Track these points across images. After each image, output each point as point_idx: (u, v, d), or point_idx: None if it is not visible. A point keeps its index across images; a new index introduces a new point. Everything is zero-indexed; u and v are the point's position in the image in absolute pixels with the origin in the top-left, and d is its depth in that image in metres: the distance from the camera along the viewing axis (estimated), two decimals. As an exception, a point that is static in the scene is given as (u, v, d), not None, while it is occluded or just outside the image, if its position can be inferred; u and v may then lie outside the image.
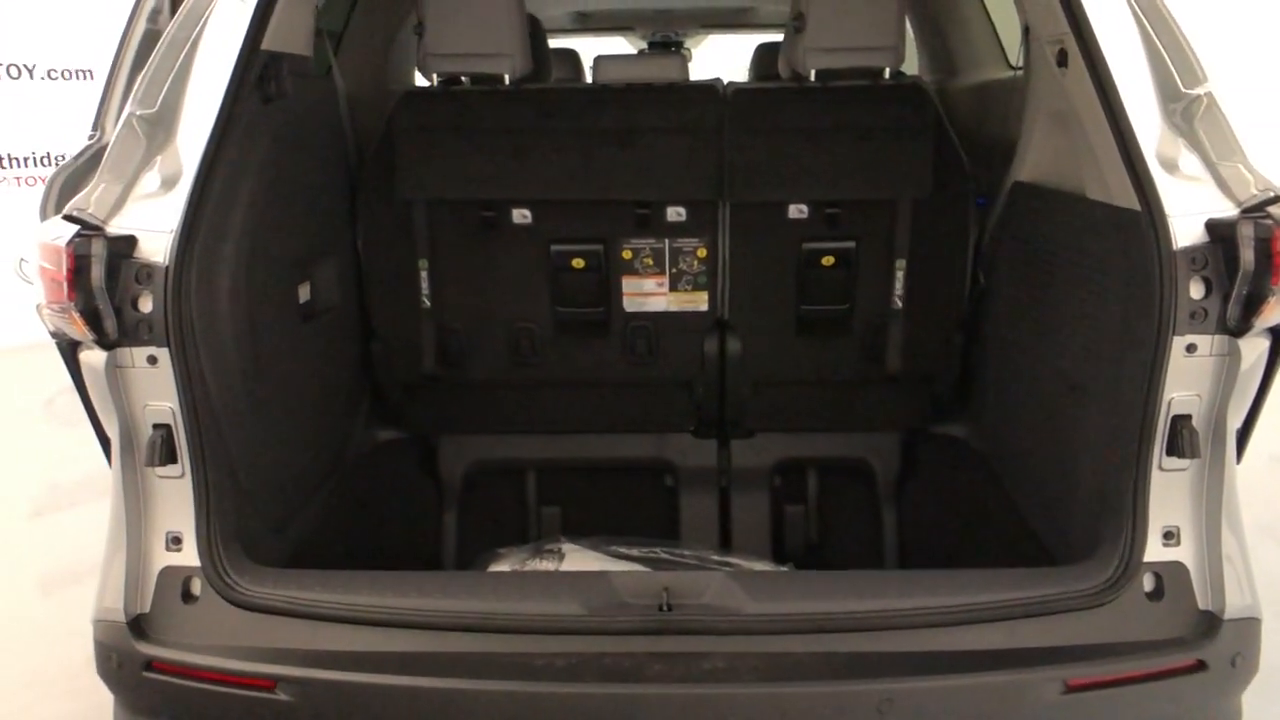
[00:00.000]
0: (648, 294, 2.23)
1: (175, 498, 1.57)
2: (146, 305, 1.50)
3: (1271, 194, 1.45)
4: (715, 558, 2.31)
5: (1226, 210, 1.47)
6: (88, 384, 1.62)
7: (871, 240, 2.14)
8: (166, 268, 1.49)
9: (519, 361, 2.30)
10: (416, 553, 2.35)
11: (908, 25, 2.51)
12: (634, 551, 2.30)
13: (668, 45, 5.17)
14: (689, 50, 5.24)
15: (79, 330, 1.50)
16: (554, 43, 5.06)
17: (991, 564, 2.07)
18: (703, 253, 2.17)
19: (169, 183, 1.56)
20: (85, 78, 6.11)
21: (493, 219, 2.14)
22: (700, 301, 2.22)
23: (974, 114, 2.65)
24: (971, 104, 2.68)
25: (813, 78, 2.00)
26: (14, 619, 2.65)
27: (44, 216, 1.92)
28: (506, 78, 2.02)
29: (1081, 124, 1.67)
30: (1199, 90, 1.56)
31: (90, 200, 1.54)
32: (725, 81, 2.06)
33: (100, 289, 1.46)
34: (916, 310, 2.16)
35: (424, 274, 2.17)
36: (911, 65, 3.07)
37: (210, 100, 1.59)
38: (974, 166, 2.35)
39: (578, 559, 2.26)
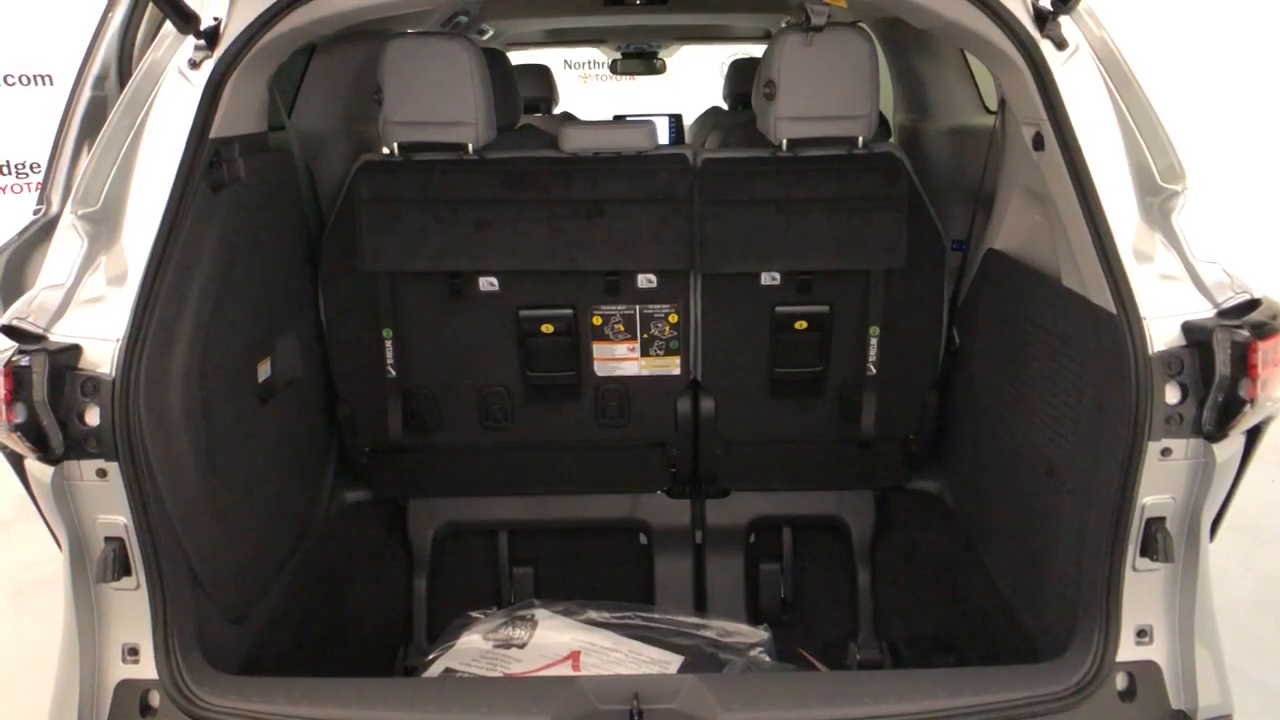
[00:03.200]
0: (619, 359, 2.19)
1: (130, 610, 1.52)
2: (93, 418, 1.44)
3: (1248, 297, 1.44)
4: (690, 620, 2.29)
5: (1203, 311, 1.45)
6: (35, 496, 1.56)
7: (845, 305, 2.11)
8: (113, 380, 1.43)
9: (489, 425, 2.25)
10: (387, 620, 2.31)
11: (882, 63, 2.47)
12: (608, 616, 2.28)
13: (641, 55, 5.09)
14: (662, 60, 5.16)
15: (22, 448, 1.43)
16: (526, 56, 4.98)
17: (965, 629, 2.08)
18: (674, 318, 2.13)
19: (115, 284, 1.49)
20: (44, 83, 5.93)
21: (458, 286, 2.09)
22: (672, 366, 2.19)
23: (949, 158, 2.61)
24: (947, 147, 2.65)
25: (784, 147, 1.95)
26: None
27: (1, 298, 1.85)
28: (470, 146, 1.96)
29: (1056, 210, 1.64)
30: (1177, 186, 1.54)
31: (31, 307, 1.47)
32: (693, 153, 2.01)
33: (43, 404, 1.39)
34: (891, 375, 2.13)
35: (388, 343, 2.11)
36: (886, 102, 3.03)
37: (156, 195, 1.52)
38: (951, 206, 2.31)
39: (551, 625, 2.24)
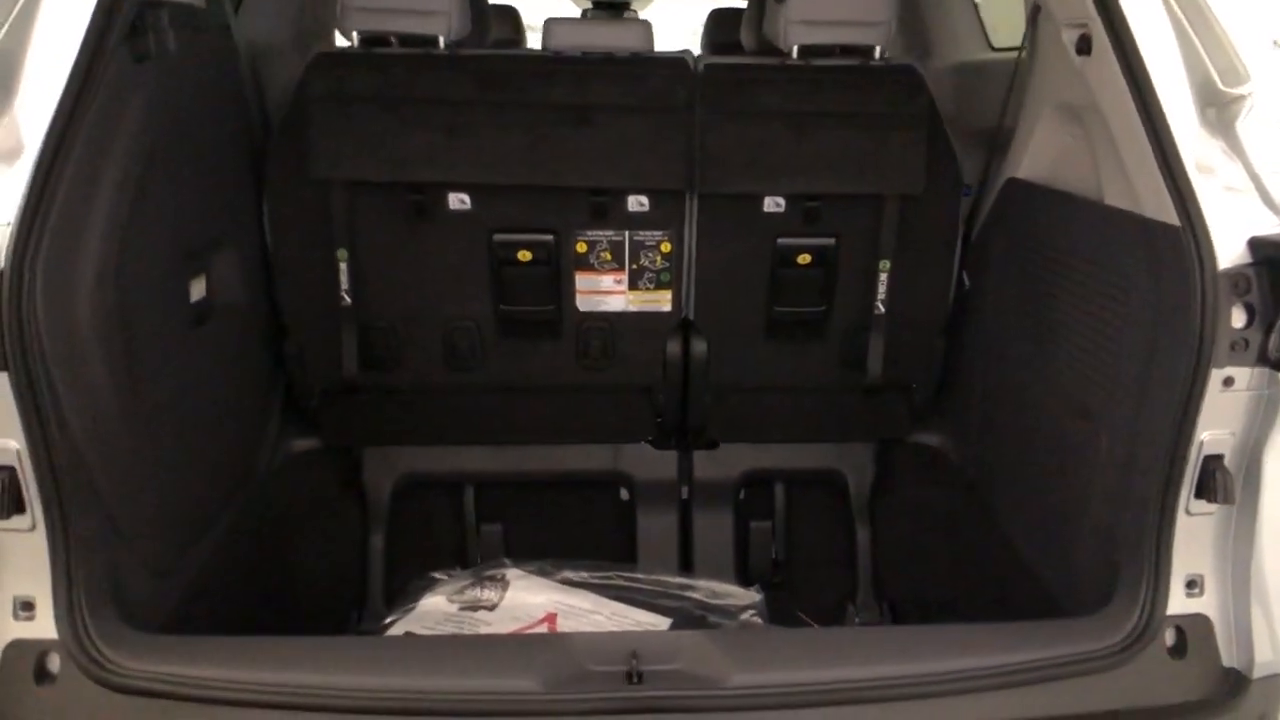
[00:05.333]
0: (605, 291, 1.98)
1: (23, 555, 1.26)
2: None
3: None
4: (676, 580, 2.11)
5: (1272, 225, 1.31)
6: None
7: (853, 238, 1.93)
8: (1, 270, 1.17)
9: (457, 365, 2.02)
10: (338, 580, 2.08)
11: None
12: (586, 576, 2.08)
13: (613, 6, 4.84)
14: (634, 12, 4.93)
15: None
16: None
17: (974, 588, 1.94)
18: (667, 247, 1.93)
19: (6, 159, 1.23)
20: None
21: (424, 204, 1.85)
22: (663, 301, 1.99)
23: (954, 98, 2.45)
24: (951, 87, 2.48)
25: (795, 54, 1.76)
26: None
27: None
28: (441, 40, 1.72)
29: (1104, 120, 1.48)
30: (1241, 90, 1.39)
31: None
32: (695, 54, 1.80)
33: None
34: (901, 315, 1.97)
35: (343, 266, 1.87)
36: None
37: (62, 55, 1.26)
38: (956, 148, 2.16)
39: (524, 586, 2.03)
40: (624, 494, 2.21)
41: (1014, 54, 2.35)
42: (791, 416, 2.15)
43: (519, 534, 2.19)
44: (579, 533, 2.21)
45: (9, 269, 1.17)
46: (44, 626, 1.25)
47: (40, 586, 1.25)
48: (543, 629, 1.92)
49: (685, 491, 2.18)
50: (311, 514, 2.05)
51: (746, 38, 2.14)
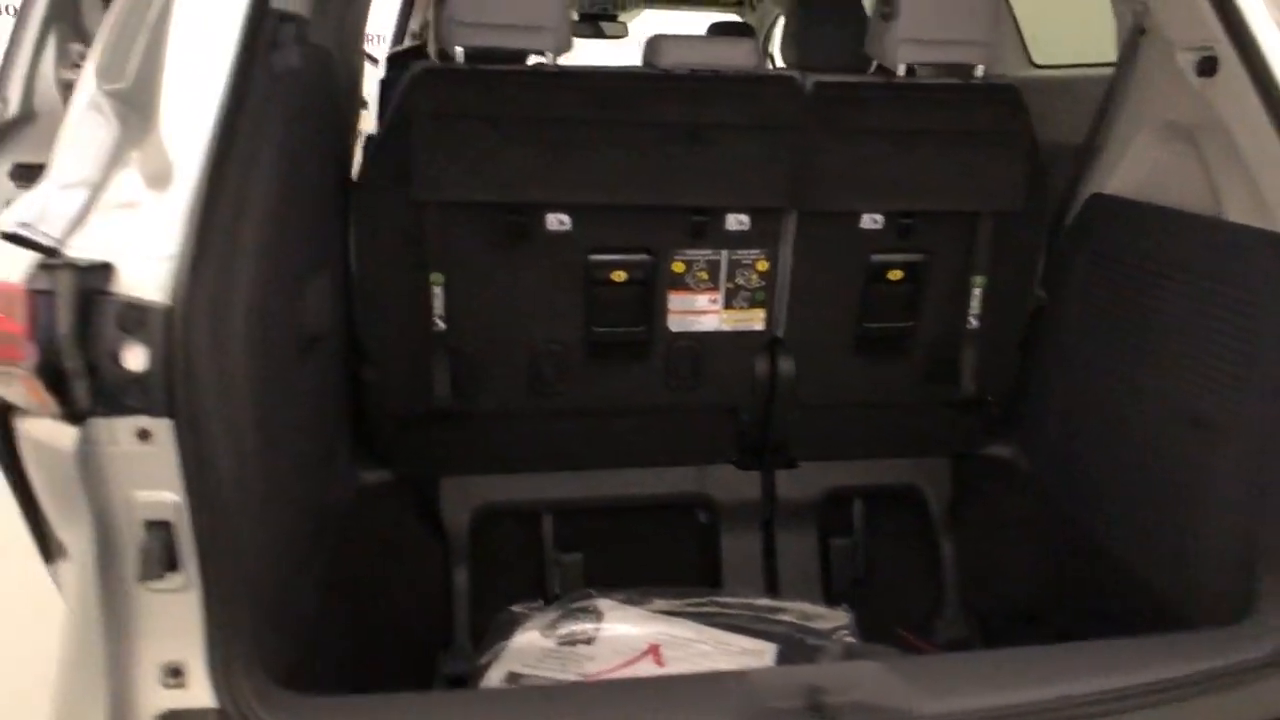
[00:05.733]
0: (698, 311, 1.93)
1: (173, 617, 1.15)
2: (136, 360, 1.07)
3: None
4: (764, 603, 2.07)
5: None
6: (30, 467, 1.16)
7: (945, 254, 1.93)
8: (168, 309, 1.06)
9: (541, 389, 1.95)
10: (423, 622, 1.97)
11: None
12: (679, 604, 2.02)
13: (601, 16, 4.80)
14: (623, 24, 4.89)
15: (35, 399, 1.05)
16: None
17: (1068, 599, 1.96)
18: (763, 265, 1.90)
19: (156, 184, 1.11)
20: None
21: (522, 225, 1.77)
22: (756, 320, 1.95)
23: None
24: None
25: (901, 72, 1.76)
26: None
27: None
28: (551, 56, 1.66)
29: (1229, 139, 1.52)
30: None
31: (40, 210, 1.08)
32: (801, 75, 1.77)
33: (70, 341, 1.02)
34: (991, 330, 1.98)
35: (437, 290, 1.78)
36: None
37: (208, 73, 1.15)
38: None
39: (619, 617, 1.96)
40: (701, 516, 2.16)
41: (1072, 71, 2.41)
42: (872, 433, 2.14)
43: (599, 562, 2.12)
44: (660, 558, 2.15)
45: (181, 305, 1.06)
46: (198, 695, 1.14)
47: (191, 650, 1.14)
48: (648, 661, 1.86)
49: (768, 511, 2.15)
50: (392, 551, 1.94)
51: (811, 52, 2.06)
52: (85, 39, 1.59)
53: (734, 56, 1.73)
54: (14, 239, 1.04)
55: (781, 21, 4.44)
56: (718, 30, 4.07)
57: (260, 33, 1.20)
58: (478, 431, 1.99)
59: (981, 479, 2.19)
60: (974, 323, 1.96)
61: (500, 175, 1.70)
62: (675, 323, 1.93)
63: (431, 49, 1.71)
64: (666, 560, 2.15)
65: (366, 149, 1.72)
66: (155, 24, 1.18)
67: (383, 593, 1.89)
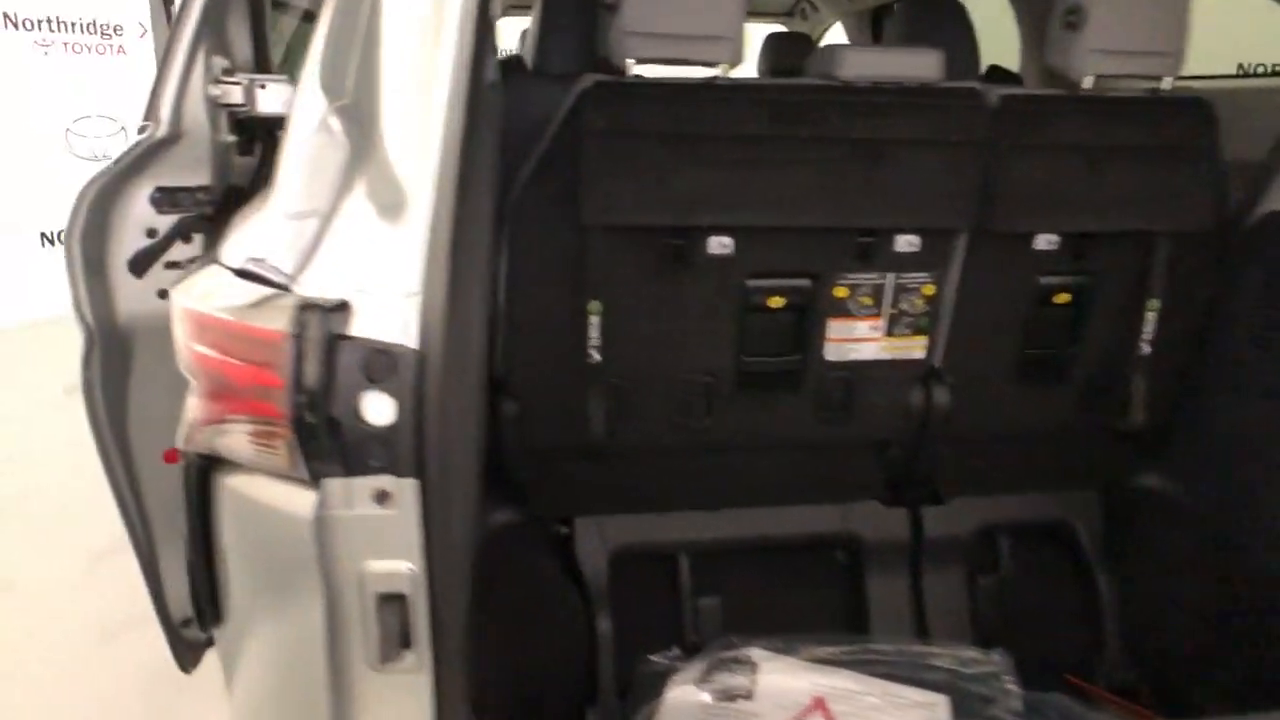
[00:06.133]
0: (858, 339, 1.81)
1: (399, 703, 1.01)
2: (382, 413, 0.93)
3: None
4: (918, 649, 1.95)
5: None
6: (232, 530, 1.02)
7: (1115, 275, 1.83)
8: (418, 354, 0.93)
9: (685, 424, 1.82)
10: (568, 674, 1.83)
11: None
12: (834, 652, 1.89)
13: None
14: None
15: (281, 460, 0.91)
16: (504, 20, 4.44)
17: (1241, 641, 1.85)
18: (929, 290, 1.78)
19: (389, 212, 0.98)
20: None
21: (684, 249, 1.65)
22: (916, 347, 1.84)
23: None
24: None
25: (1088, 84, 1.66)
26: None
27: (81, 251, 1.28)
28: (725, 69, 1.54)
29: None
30: None
31: (270, 243, 0.94)
32: (984, 87, 1.67)
33: (320, 392, 0.89)
34: (1163, 355, 1.87)
35: (594, 320, 1.65)
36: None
37: (438, 85, 1.03)
38: None
39: (775, 668, 1.83)
40: (839, 557, 2.04)
41: (1246, 83, 2.31)
42: (1023, 465, 2.02)
43: (737, 605, 1.99)
44: (800, 600, 2.02)
45: (424, 349, 0.93)
46: None
47: None
48: (818, 716, 1.73)
49: (916, 550, 2.03)
50: (531, 597, 1.80)
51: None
52: (229, 53, 1.46)
53: (918, 67, 1.62)
54: (246, 275, 0.90)
55: (837, 29, 4.38)
56: (777, 41, 3.98)
57: (485, 42, 1.08)
58: (618, 469, 1.86)
59: (1135, 511, 2.07)
60: (1146, 348, 1.86)
61: (673, 196, 1.57)
62: (832, 351, 1.81)
63: (526, 60, 1.57)
64: (807, 603, 2.02)
65: (524, 169, 1.59)
66: (366, 30, 1.05)
67: (523, 645, 1.75)
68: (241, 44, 1.51)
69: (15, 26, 5.53)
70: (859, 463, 1.96)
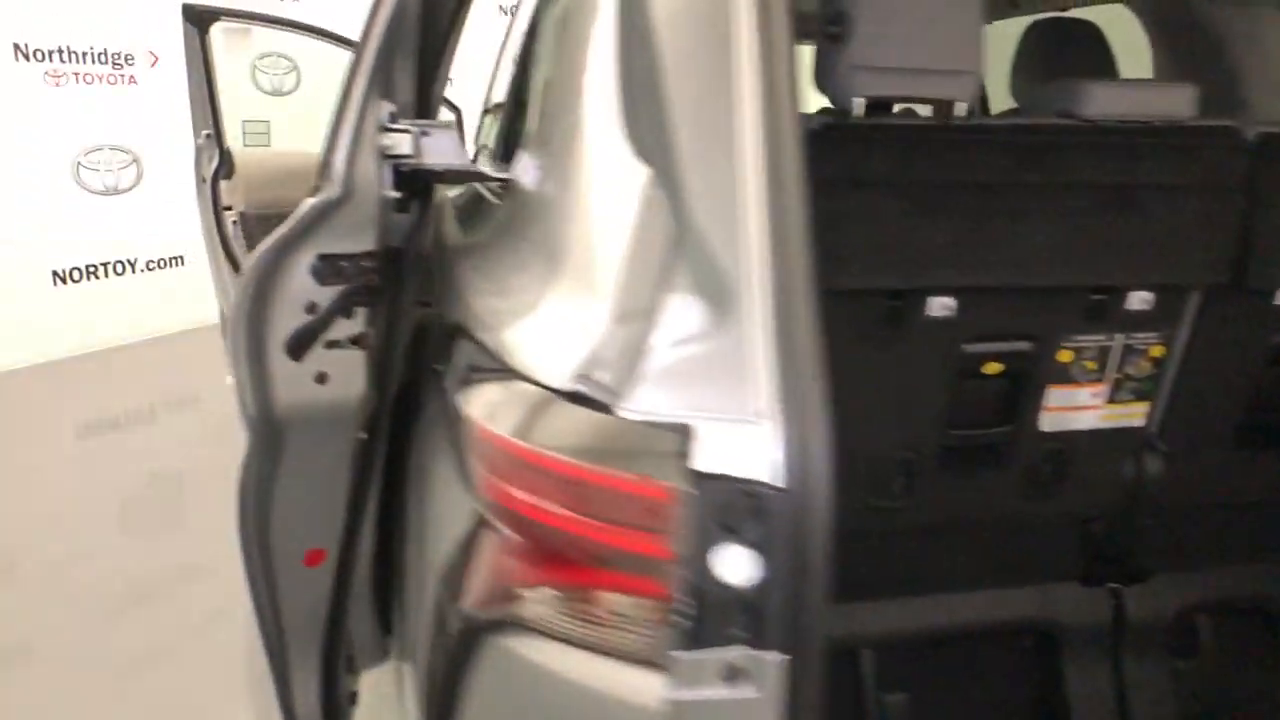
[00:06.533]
0: (1078, 407, 1.61)
1: None
2: (743, 569, 0.71)
3: None
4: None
5: None
6: (505, 702, 0.80)
7: None
8: (789, 495, 0.71)
9: (880, 504, 1.60)
10: None
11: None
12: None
13: None
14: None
15: (634, 642, 0.69)
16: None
17: None
18: (1158, 351, 1.58)
19: (718, 305, 0.77)
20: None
21: (902, 310, 1.44)
22: (1137, 415, 1.63)
23: None
24: None
25: None
26: None
27: (246, 333, 1.06)
28: (963, 107, 1.34)
29: None
30: None
31: (594, 353, 0.72)
32: (1241, 125, 1.48)
33: (698, 555, 0.67)
34: None
35: None
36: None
37: (750, 134, 0.81)
38: None
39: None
40: (1032, 643, 1.82)
41: None
42: (1231, 537, 1.82)
43: (926, 702, 1.76)
44: (993, 694, 1.80)
45: (793, 488, 0.71)
46: None
47: None
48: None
49: (1118, 634, 1.81)
50: None
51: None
52: (393, 95, 1.24)
53: (1172, 104, 1.43)
54: (577, 399, 0.68)
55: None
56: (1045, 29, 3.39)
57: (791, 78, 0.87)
58: None
59: None
60: None
61: (906, 255, 1.37)
62: (1049, 421, 1.60)
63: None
64: (1001, 697, 1.80)
65: None
66: (647, 69, 0.84)
67: None
68: (405, 84, 1.29)
69: (26, 58, 5.29)
70: (1058, 541, 1.75)
